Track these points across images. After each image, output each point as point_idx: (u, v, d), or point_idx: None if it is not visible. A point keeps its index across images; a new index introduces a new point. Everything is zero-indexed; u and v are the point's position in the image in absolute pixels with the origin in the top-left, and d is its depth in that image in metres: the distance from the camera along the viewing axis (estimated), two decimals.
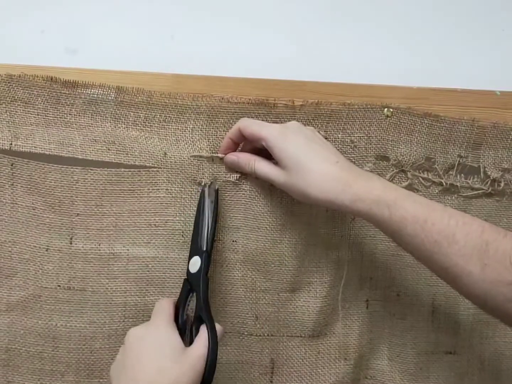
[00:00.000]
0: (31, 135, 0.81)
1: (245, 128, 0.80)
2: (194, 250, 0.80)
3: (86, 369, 0.84)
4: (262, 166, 0.80)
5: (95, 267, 0.83)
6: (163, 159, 0.82)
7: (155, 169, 0.83)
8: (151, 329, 0.74)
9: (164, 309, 0.76)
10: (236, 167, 0.83)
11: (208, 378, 0.70)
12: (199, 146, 0.84)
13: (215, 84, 0.86)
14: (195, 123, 0.84)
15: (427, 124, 0.88)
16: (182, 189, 0.84)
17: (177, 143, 0.84)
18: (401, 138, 0.88)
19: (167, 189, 0.84)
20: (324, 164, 0.76)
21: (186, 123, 0.84)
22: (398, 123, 0.88)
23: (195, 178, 0.84)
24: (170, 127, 0.84)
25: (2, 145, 0.80)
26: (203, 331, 0.73)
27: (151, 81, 0.84)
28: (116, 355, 0.74)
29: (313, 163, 0.76)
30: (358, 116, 0.87)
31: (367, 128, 0.88)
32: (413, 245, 0.72)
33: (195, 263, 0.79)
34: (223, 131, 0.85)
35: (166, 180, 0.84)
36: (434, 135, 0.89)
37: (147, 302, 0.85)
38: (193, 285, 0.78)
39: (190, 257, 0.80)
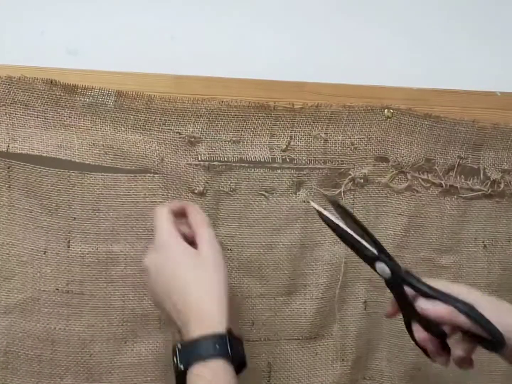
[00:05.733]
0: (29, 137, 0.80)
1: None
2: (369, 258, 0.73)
3: (85, 372, 0.84)
4: None
5: (93, 271, 0.83)
6: (159, 164, 0.82)
7: (150, 175, 0.83)
8: (162, 251, 0.72)
9: (163, 221, 0.74)
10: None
11: None
12: (196, 150, 0.84)
13: (216, 84, 0.86)
14: (194, 126, 0.84)
15: (428, 125, 0.88)
16: (178, 196, 0.84)
17: (176, 148, 0.83)
18: (401, 139, 0.88)
19: (163, 195, 0.83)
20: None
21: (185, 126, 0.84)
22: (399, 124, 0.88)
23: (190, 186, 0.84)
24: (169, 130, 0.83)
25: (0, 147, 0.80)
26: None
27: (151, 82, 0.84)
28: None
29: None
30: (358, 117, 0.87)
31: (367, 130, 0.87)
32: None
33: (383, 269, 0.71)
34: (223, 134, 0.84)
35: (162, 186, 0.83)
36: (434, 136, 0.89)
37: (145, 306, 0.85)
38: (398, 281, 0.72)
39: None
